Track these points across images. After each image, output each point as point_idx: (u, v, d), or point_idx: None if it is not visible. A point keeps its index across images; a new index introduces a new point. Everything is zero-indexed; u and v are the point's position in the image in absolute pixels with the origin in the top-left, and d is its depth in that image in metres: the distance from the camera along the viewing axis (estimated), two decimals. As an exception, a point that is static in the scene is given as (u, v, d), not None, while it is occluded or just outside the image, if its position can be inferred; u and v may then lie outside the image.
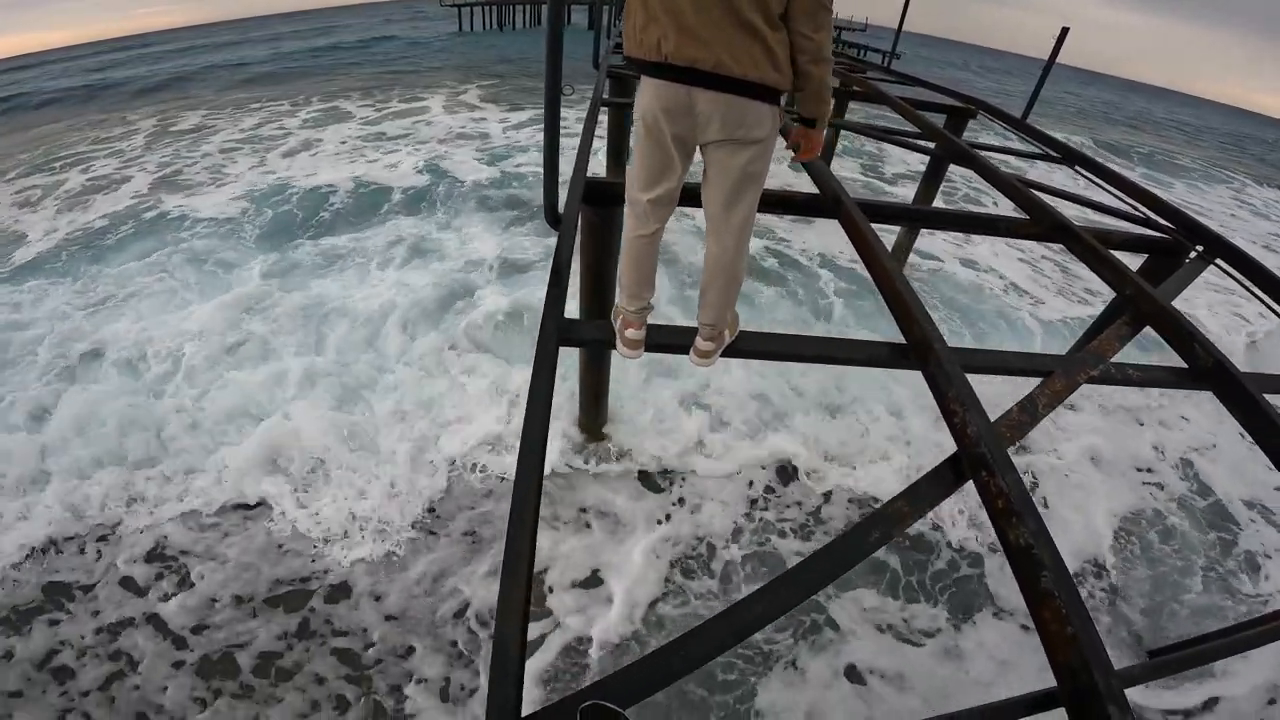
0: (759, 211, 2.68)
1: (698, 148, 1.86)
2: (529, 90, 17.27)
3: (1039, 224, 3.16)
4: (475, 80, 19.22)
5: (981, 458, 1.34)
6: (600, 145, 8.32)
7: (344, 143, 11.91)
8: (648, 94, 1.75)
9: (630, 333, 2.18)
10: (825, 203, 2.74)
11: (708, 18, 1.58)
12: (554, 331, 2.03)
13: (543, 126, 2.83)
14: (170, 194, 9.22)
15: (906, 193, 10.88)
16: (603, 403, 4.28)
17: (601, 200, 3.17)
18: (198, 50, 34.39)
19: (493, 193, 8.93)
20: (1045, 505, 4.26)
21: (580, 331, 2.38)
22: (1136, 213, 3.82)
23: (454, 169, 10.04)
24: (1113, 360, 2.07)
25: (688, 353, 2.19)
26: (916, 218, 3.48)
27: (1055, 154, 5.16)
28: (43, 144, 13.66)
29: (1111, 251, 2.71)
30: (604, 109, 5.40)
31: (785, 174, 10.15)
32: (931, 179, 6.19)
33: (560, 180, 3.06)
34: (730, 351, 2.29)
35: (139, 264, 6.76)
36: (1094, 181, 4.37)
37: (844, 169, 11.88)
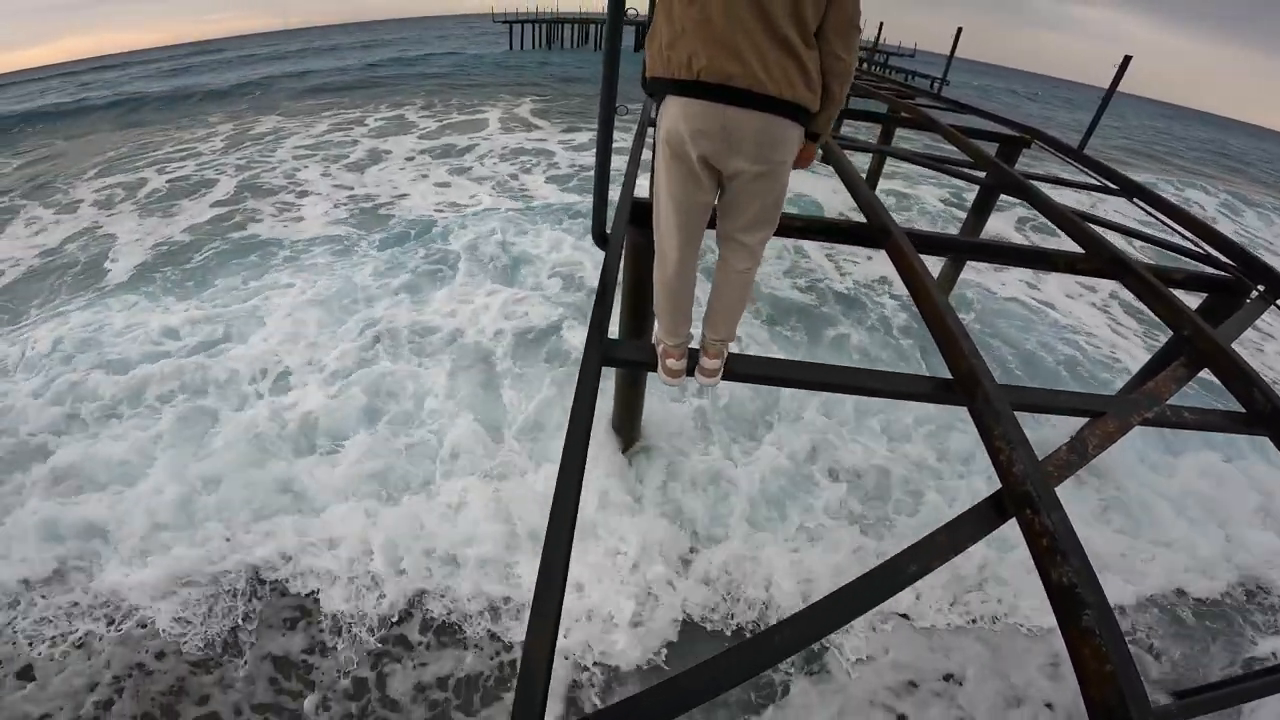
0: (800, 238, 2.73)
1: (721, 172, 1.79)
2: (579, 113, 17.79)
3: (1094, 259, 3.12)
4: (528, 96, 20.09)
5: (1027, 496, 1.34)
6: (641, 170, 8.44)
7: (410, 159, 12.42)
8: (674, 115, 1.67)
9: (671, 362, 2.22)
10: (872, 232, 2.76)
11: (743, 32, 1.51)
12: (598, 352, 2.07)
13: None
14: (256, 199, 9.79)
15: (996, 225, 10.59)
16: (636, 419, 4.34)
17: (648, 221, 3.23)
18: (268, 59, 36.87)
19: (571, 211, 9.09)
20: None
21: (623, 353, 2.44)
22: (1197, 249, 3.73)
23: (532, 190, 10.28)
24: (1168, 402, 2.04)
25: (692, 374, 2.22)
26: (966, 249, 3.46)
27: (1113, 186, 5.07)
28: (131, 142, 14.86)
29: (1170, 289, 2.67)
30: (651, 129, 5.50)
31: (840, 202, 10.09)
32: (981, 209, 6.11)
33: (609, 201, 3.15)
34: (752, 379, 2.29)
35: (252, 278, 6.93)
36: (1153, 215, 4.29)
37: (928, 194, 11.78)
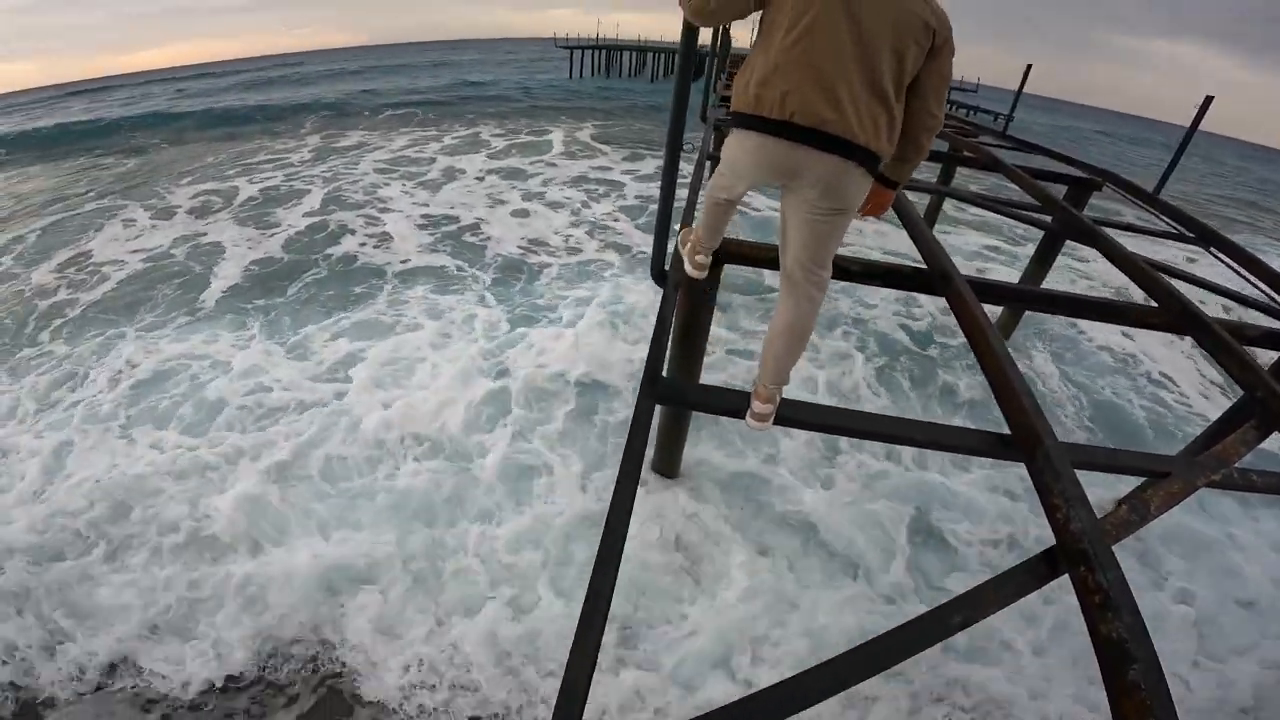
0: (859, 283, 2.82)
1: (785, 212, 1.95)
2: (640, 141, 18.51)
3: (1166, 313, 3.06)
4: (589, 122, 21.44)
5: (1082, 553, 1.38)
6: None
7: (480, 179, 13.09)
8: (748, 150, 1.79)
9: (700, 258, 2.52)
10: (932, 278, 2.79)
11: (847, 82, 1.60)
12: (653, 390, 2.15)
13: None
14: (340, 211, 10.43)
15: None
16: (678, 456, 4.47)
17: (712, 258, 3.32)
18: (350, 75, 40.72)
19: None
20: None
21: (677, 392, 2.59)
22: (1275, 304, 3.64)
23: (610, 223, 10.40)
24: (1236, 465, 2.02)
25: (742, 416, 2.22)
26: (1030, 299, 3.43)
27: (1190, 234, 4.96)
28: (226, 150, 16.45)
29: (1244, 346, 2.62)
30: (710, 163, 5.63)
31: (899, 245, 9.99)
32: (1045, 256, 5.97)
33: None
34: (804, 425, 2.35)
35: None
36: (1230, 266, 4.18)
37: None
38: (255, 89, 33.89)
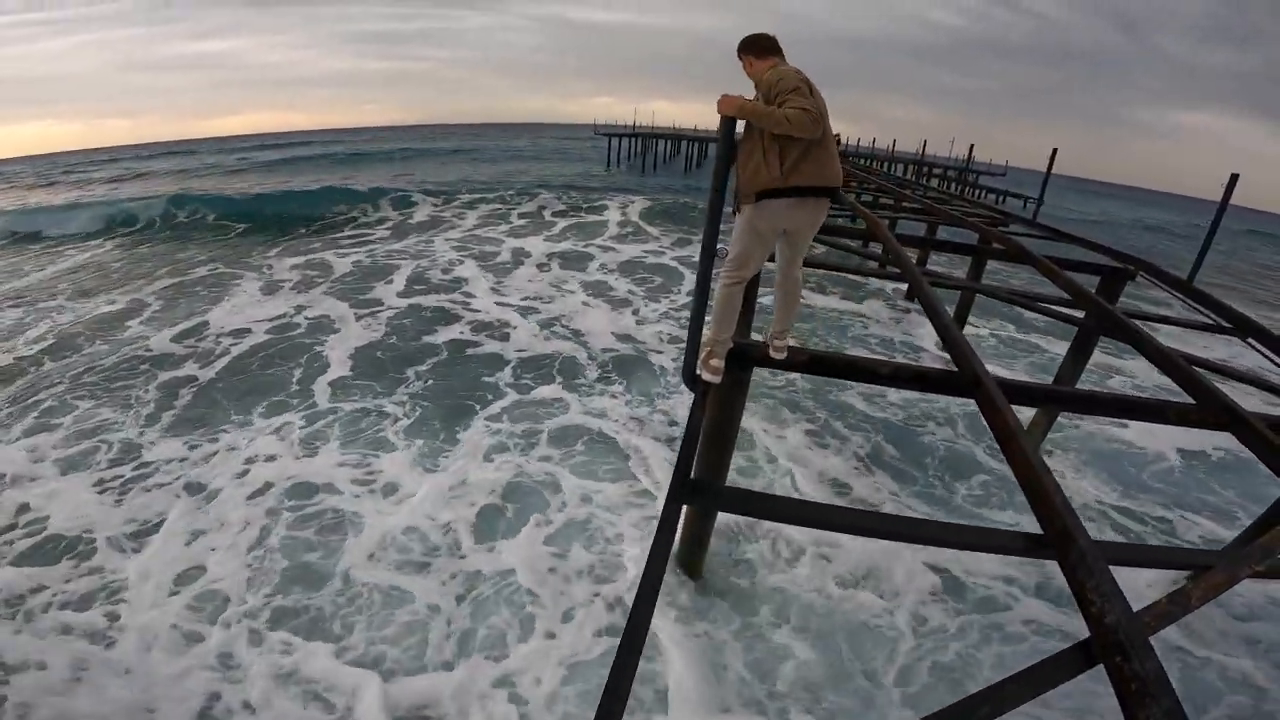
0: (888, 385, 3.14)
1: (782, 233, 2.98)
2: (683, 221, 20.45)
3: (1206, 410, 3.19)
4: (639, 197, 25.13)
5: (1118, 644, 1.51)
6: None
7: (542, 269, 13.97)
8: (775, 214, 2.73)
9: (714, 363, 3.19)
10: (964, 381, 2.96)
11: (833, 151, 2.69)
12: (680, 491, 2.42)
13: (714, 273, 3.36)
14: (431, 293, 11.22)
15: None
16: (703, 553, 4.65)
17: (740, 362, 3.60)
18: (407, 155, 46.45)
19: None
20: None
21: (705, 493, 2.81)
22: (1321, 399, 3.80)
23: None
24: (1283, 554, 2.15)
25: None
26: (1064, 400, 3.61)
27: (1227, 324, 5.15)
28: (312, 223, 18.76)
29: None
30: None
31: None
32: (1079, 352, 6.11)
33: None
34: (828, 525, 2.72)
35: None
36: (1269, 357, 4.37)
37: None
38: (331, 161, 39.63)
